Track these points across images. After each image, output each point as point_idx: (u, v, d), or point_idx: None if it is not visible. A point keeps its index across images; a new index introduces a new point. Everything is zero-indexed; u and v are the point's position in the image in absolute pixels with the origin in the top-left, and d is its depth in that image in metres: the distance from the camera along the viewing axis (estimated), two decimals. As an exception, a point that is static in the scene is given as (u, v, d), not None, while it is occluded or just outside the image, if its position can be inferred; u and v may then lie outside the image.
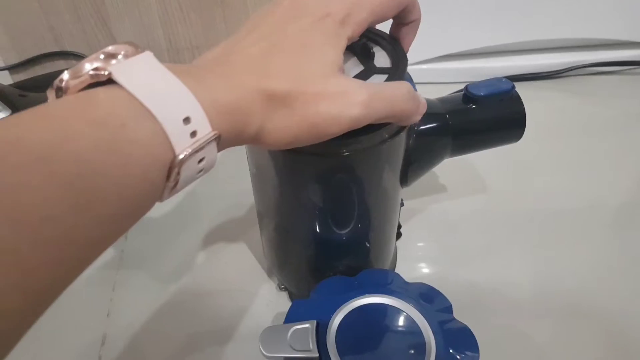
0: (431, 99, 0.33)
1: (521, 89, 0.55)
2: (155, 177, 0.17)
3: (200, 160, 0.19)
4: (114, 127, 0.16)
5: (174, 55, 0.57)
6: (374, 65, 0.26)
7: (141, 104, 0.17)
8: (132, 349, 0.34)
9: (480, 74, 0.56)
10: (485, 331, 0.27)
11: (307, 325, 0.27)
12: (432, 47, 0.56)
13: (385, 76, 0.25)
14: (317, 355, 0.26)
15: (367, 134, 0.24)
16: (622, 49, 0.57)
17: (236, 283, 0.38)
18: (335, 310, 0.28)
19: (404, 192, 0.33)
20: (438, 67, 0.57)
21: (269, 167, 0.28)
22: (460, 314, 0.28)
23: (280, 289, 0.36)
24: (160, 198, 0.19)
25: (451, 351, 0.27)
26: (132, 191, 0.17)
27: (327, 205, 0.28)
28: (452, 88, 0.55)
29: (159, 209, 0.44)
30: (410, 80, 0.27)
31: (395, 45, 0.27)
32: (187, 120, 0.18)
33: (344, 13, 0.23)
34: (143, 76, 0.18)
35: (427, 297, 0.30)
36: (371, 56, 0.26)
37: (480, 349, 0.26)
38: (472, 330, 0.27)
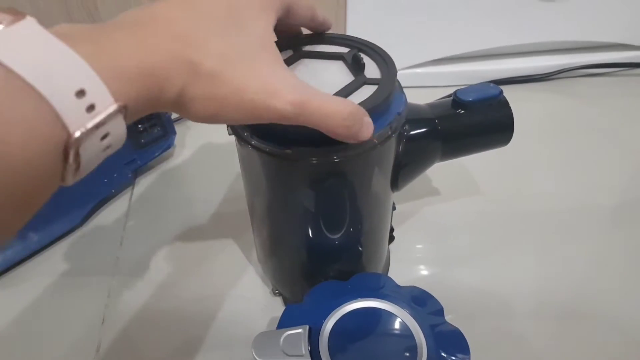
0: (421, 105, 0.33)
1: (513, 91, 0.56)
2: (46, 162, 0.15)
3: (104, 137, 0.17)
4: None
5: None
6: (365, 76, 0.26)
7: (21, 79, 0.15)
8: (127, 355, 0.34)
9: (472, 77, 0.57)
10: (476, 334, 0.28)
11: (299, 330, 0.27)
12: (425, 51, 0.57)
13: (375, 87, 0.25)
14: (310, 360, 0.26)
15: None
16: (611, 51, 0.58)
17: (230, 288, 0.38)
18: (327, 315, 0.28)
19: (396, 196, 0.33)
20: (430, 71, 0.57)
21: (260, 173, 0.29)
22: (452, 317, 0.29)
23: (275, 294, 0.36)
24: (64, 181, 0.17)
25: (443, 354, 0.27)
26: (16, 179, 0.15)
27: (319, 210, 0.29)
28: (444, 91, 0.55)
29: (152, 215, 0.44)
30: (399, 89, 0.28)
31: (385, 57, 0.28)
32: (81, 93, 0.16)
33: None
34: (23, 46, 0.15)
35: (419, 300, 0.30)
36: (362, 67, 0.27)
37: (471, 351, 0.26)
38: (463, 333, 0.28)
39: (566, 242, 0.40)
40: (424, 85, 0.57)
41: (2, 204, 0.15)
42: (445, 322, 0.29)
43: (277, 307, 0.36)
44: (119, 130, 0.17)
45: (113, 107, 0.16)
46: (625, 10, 0.55)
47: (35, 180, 0.15)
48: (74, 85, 0.15)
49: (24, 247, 0.40)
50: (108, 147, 0.17)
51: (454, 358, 0.27)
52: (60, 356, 0.34)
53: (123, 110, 0.17)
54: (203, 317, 0.36)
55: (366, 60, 0.27)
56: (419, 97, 0.54)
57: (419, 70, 0.57)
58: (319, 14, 0.28)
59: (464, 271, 0.38)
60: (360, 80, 0.26)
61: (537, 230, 0.41)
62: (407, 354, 0.27)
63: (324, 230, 0.30)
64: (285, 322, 0.29)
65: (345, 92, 0.25)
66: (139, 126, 0.46)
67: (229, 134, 0.28)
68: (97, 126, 0.16)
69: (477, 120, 0.32)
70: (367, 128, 0.23)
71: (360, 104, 0.24)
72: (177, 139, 0.50)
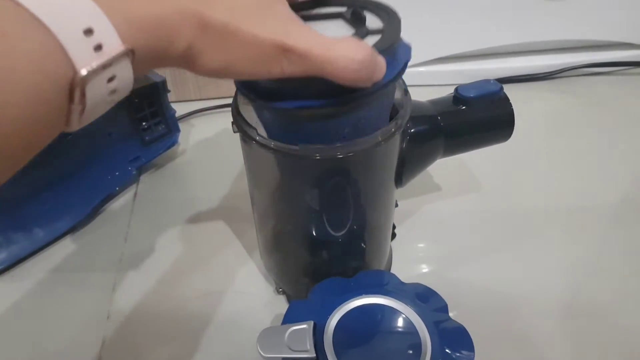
0: (423, 102, 0.33)
1: (516, 90, 0.56)
2: (51, 98, 0.15)
3: (111, 80, 0.17)
4: None
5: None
6: (367, 28, 0.25)
7: (29, 13, 0.15)
8: (132, 351, 0.34)
9: (475, 75, 0.57)
10: (481, 330, 0.28)
11: (304, 326, 0.28)
12: (428, 50, 0.57)
13: (379, 36, 0.24)
14: (315, 355, 0.26)
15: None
16: (614, 50, 0.58)
17: (234, 285, 0.38)
18: (332, 311, 0.29)
19: (398, 193, 0.33)
20: (434, 70, 0.57)
21: (265, 169, 0.29)
22: (456, 314, 0.29)
23: (278, 292, 0.37)
24: (68, 124, 0.17)
25: (447, 350, 0.27)
26: (21, 111, 0.15)
27: (323, 206, 0.29)
28: (448, 90, 0.55)
29: (157, 212, 0.45)
30: (407, 47, 0.26)
31: (386, 9, 0.26)
32: (89, 32, 0.16)
33: None
34: None
35: (423, 297, 0.30)
36: (362, 20, 0.25)
37: (475, 348, 0.27)
38: (467, 329, 0.28)
39: (568, 240, 0.40)
40: (428, 84, 0.57)
41: (8, 134, 0.15)
42: (450, 318, 0.29)
43: (281, 305, 0.36)
44: (125, 74, 0.17)
45: (121, 49, 0.16)
46: (628, 9, 0.55)
47: (42, 118, 0.15)
48: (82, 24, 0.15)
49: (29, 243, 0.40)
50: (114, 91, 0.17)
51: (458, 354, 0.27)
52: (65, 351, 0.34)
53: (130, 54, 0.17)
54: (207, 314, 0.36)
55: (367, 14, 0.26)
56: (422, 95, 0.54)
57: (422, 68, 0.57)
58: None
59: (466, 268, 0.38)
60: (362, 31, 0.25)
61: (539, 228, 0.41)
62: (412, 351, 0.27)
63: (328, 227, 0.30)
64: (290, 317, 0.29)
65: None
66: (144, 124, 0.46)
67: (234, 132, 0.28)
68: (104, 66, 0.16)
69: (478, 116, 0.33)
70: (381, 68, 0.22)
71: None
72: (181, 136, 0.50)
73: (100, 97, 0.17)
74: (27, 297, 0.38)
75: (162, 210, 0.45)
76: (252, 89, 0.25)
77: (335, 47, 0.21)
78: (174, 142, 0.49)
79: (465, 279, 0.37)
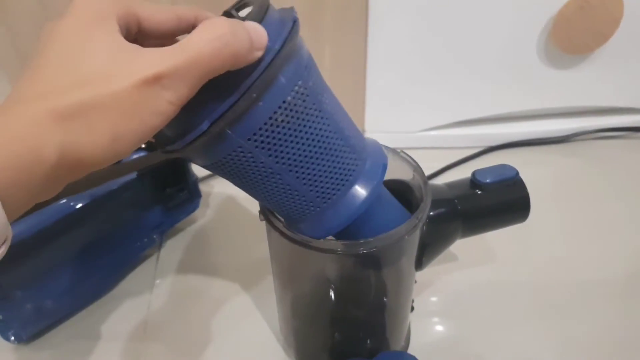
0: (440, 185, 0.34)
1: (530, 153, 0.57)
2: None
3: None
4: None
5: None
6: (232, 10, 0.22)
7: None
8: None
9: (490, 139, 0.59)
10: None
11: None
12: (443, 115, 0.58)
13: (249, 8, 0.22)
14: None
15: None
16: (624, 115, 0.59)
17: (252, 357, 0.38)
18: (352, 395, 0.29)
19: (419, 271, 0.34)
20: (449, 134, 0.59)
21: (288, 256, 0.30)
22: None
23: (298, 367, 0.37)
24: None
25: None
26: None
27: (345, 292, 0.30)
28: (462, 152, 0.57)
29: (179, 278, 0.46)
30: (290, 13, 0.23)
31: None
32: None
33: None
34: None
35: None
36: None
37: None
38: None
39: (585, 310, 0.40)
40: (442, 147, 0.58)
41: None
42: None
43: (301, 379, 0.37)
44: None
45: None
46: (635, 77, 0.56)
47: None
48: None
49: (56, 312, 0.41)
50: None
51: None
52: None
53: None
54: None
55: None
56: (437, 157, 0.56)
57: (435, 132, 0.59)
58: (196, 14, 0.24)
59: (484, 343, 0.38)
60: (229, 12, 0.22)
61: (556, 300, 0.41)
62: None
63: (349, 310, 0.31)
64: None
65: None
66: (167, 190, 0.48)
67: (260, 220, 0.29)
68: None
69: (494, 201, 0.34)
70: (256, 32, 0.20)
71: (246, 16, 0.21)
72: (202, 202, 0.52)
73: None
74: (52, 367, 0.39)
75: (183, 276, 0.46)
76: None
77: (190, 43, 0.19)
78: (195, 208, 0.51)
79: (483, 353, 0.37)
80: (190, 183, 0.49)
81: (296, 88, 0.22)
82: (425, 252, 0.31)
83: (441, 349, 0.38)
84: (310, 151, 0.23)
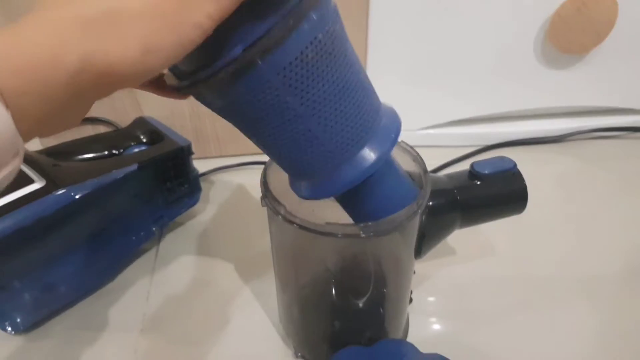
0: (440, 176, 0.35)
1: (527, 152, 0.58)
2: None
3: None
4: None
5: (196, 121, 0.60)
6: None
7: None
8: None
9: (487, 138, 0.59)
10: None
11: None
12: (441, 114, 0.59)
13: None
14: None
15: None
16: (620, 115, 0.60)
17: (253, 349, 0.38)
18: (351, 382, 0.29)
19: (418, 259, 0.34)
20: (447, 132, 0.60)
21: (290, 241, 0.30)
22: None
23: (297, 356, 0.37)
24: None
25: None
26: None
27: (344, 279, 0.30)
28: (460, 151, 0.57)
29: (178, 270, 0.46)
30: None
31: None
32: None
33: None
34: None
35: (440, 367, 0.31)
36: None
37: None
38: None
39: (584, 307, 0.41)
40: (441, 145, 0.59)
41: None
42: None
43: (299, 370, 0.37)
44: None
45: None
46: (632, 78, 0.57)
47: None
48: None
49: (54, 302, 0.41)
50: None
51: None
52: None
53: None
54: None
55: None
56: (436, 155, 0.57)
57: (432, 131, 0.60)
58: None
59: (482, 335, 0.39)
60: None
61: (554, 294, 0.42)
62: None
63: (348, 298, 0.31)
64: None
65: None
66: (168, 184, 0.48)
67: (262, 206, 0.29)
68: None
69: (492, 192, 0.34)
70: None
71: None
72: (202, 194, 0.52)
73: None
74: (49, 357, 0.39)
75: (183, 269, 0.46)
76: None
77: None
78: (195, 201, 0.51)
79: (481, 346, 0.38)
80: (191, 177, 0.50)
81: (327, 27, 0.21)
82: (425, 241, 0.32)
83: (439, 340, 0.39)
84: (335, 95, 0.22)
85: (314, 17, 0.21)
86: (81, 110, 0.19)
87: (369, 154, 0.24)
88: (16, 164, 0.17)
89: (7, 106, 0.16)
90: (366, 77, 0.25)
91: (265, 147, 0.26)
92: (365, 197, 0.26)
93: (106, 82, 0.18)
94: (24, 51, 0.16)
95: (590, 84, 0.57)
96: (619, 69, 0.56)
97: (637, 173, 0.55)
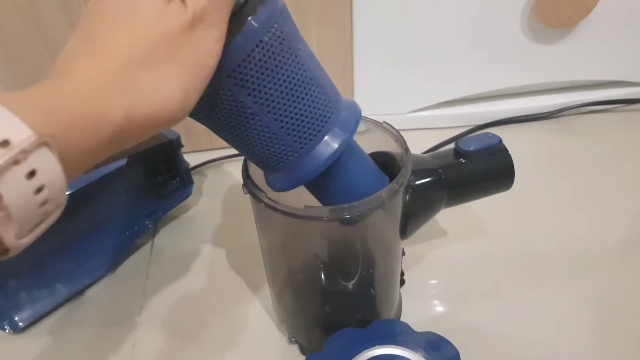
0: (424, 155, 0.35)
1: (517, 130, 0.58)
2: None
3: (31, 175, 0.15)
4: None
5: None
6: None
7: None
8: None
9: (476, 118, 0.59)
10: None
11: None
12: (430, 95, 0.59)
13: None
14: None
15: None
16: (611, 88, 0.60)
17: (249, 337, 0.39)
18: (346, 363, 0.29)
19: (405, 240, 0.34)
20: (437, 114, 0.59)
21: (274, 227, 0.30)
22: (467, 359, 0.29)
23: (291, 342, 0.37)
24: (4, 242, 0.15)
25: (458, 400, 0.27)
26: None
27: (332, 262, 0.30)
28: (450, 132, 0.57)
29: (173, 263, 0.46)
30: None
31: None
32: None
33: None
34: None
35: (434, 345, 0.31)
36: None
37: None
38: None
39: (576, 281, 0.41)
40: (430, 127, 0.59)
41: None
42: (461, 367, 0.30)
43: (295, 355, 0.37)
44: (49, 166, 0.15)
45: (32, 139, 0.15)
46: (620, 50, 0.57)
47: None
48: None
49: (51, 300, 0.42)
50: (41, 188, 0.15)
51: (469, 404, 0.27)
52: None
53: (49, 142, 0.15)
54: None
55: None
56: (424, 138, 0.57)
57: (425, 113, 0.59)
58: None
59: (476, 313, 0.39)
60: None
61: (547, 271, 0.42)
62: (424, 401, 0.27)
63: (338, 281, 0.31)
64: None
65: None
66: (159, 177, 0.48)
67: (244, 193, 0.30)
68: (15, 160, 0.14)
69: (478, 169, 0.34)
70: None
71: None
72: (194, 187, 0.52)
73: (26, 200, 0.15)
74: (47, 354, 0.39)
75: (178, 262, 0.46)
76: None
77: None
78: (188, 194, 0.51)
79: (475, 324, 0.38)
80: (182, 170, 0.50)
81: (272, 30, 0.22)
82: (410, 221, 0.32)
83: (433, 320, 0.39)
84: (287, 93, 0.24)
85: (258, 21, 0.22)
86: (122, 149, 0.20)
87: (327, 146, 0.25)
88: (58, 214, 0.18)
89: (61, 161, 0.16)
90: (323, 72, 0.26)
91: (231, 144, 0.27)
92: (331, 184, 0.27)
93: (148, 130, 0.19)
94: (74, 107, 0.17)
95: (579, 57, 0.57)
96: (608, 40, 0.56)
97: (630, 146, 0.55)
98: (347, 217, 0.27)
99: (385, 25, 0.54)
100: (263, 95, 0.23)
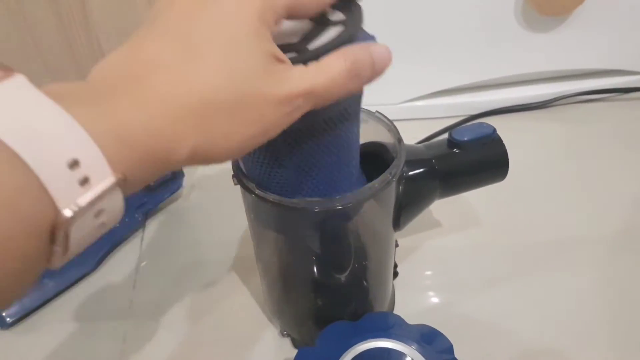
0: (417, 146, 0.34)
1: (510, 120, 0.57)
2: (29, 246, 0.13)
3: (99, 214, 0.15)
4: None
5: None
6: (328, 19, 0.24)
7: (5, 146, 0.13)
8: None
9: (469, 107, 0.58)
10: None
11: (311, 374, 0.28)
12: (424, 85, 0.58)
13: (340, 28, 0.23)
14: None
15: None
16: (605, 77, 0.59)
17: (240, 330, 0.38)
18: (339, 357, 0.29)
19: (398, 231, 0.34)
20: (431, 104, 0.59)
21: (265, 219, 0.30)
22: (461, 352, 0.29)
23: (283, 335, 0.37)
24: (50, 264, 0.15)
25: (453, 393, 0.27)
26: None
27: (324, 254, 0.30)
28: (443, 123, 0.57)
29: (164, 257, 0.45)
30: (370, 38, 0.25)
31: (346, 1, 0.25)
32: (74, 163, 0.13)
33: None
34: (11, 108, 0.13)
35: (428, 338, 0.31)
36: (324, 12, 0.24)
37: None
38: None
39: (572, 272, 0.40)
40: (424, 117, 0.58)
41: None
42: (455, 359, 0.29)
43: (287, 348, 0.37)
44: (115, 206, 0.15)
45: (110, 180, 0.14)
46: (615, 38, 0.56)
47: (16, 270, 0.13)
48: (67, 154, 0.13)
49: (40, 294, 0.41)
50: (102, 225, 0.15)
51: (463, 397, 0.27)
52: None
53: (122, 183, 0.15)
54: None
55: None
56: (418, 128, 0.56)
57: (418, 103, 0.59)
58: None
59: (470, 305, 0.38)
60: (323, 22, 0.24)
61: (542, 261, 0.42)
62: (417, 394, 0.27)
63: (329, 272, 0.31)
64: (297, 366, 0.30)
65: (310, 36, 0.23)
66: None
67: (235, 184, 0.29)
68: (92, 203, 0.14)
69: (472, 159, 0.34)
70: (380, 56, 0.22)
71: (328, 42, 0.22)
72: (186, 180, 0.51)
73: (86, 234, 0.15)
74: (37, 349, 0.38)
75: (168, 255, 0.46)
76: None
77: (329, 68, 0.20)
78: (179, 187, 0.50)
79: (470, 315, 0.38)
80: (172, 162, 0.49)
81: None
82: (403, 212, 0.31)
83: (426, 312, 0.39)
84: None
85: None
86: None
87: None
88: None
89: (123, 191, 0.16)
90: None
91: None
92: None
93: (204, 164, 0.19)
94: (149, 142, 0.16)
95: (573, 46, 0.56)
96: (602, 29, 0.55)
97: (624, 135, 0.54)
98: (339, 208, 0.26)
99: (377, 13, 0.52)
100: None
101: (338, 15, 0.25)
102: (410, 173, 0.32)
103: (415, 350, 0.29)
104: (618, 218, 0.45)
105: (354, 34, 0.23)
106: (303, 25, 0.24)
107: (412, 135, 0.53)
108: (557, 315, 0.37)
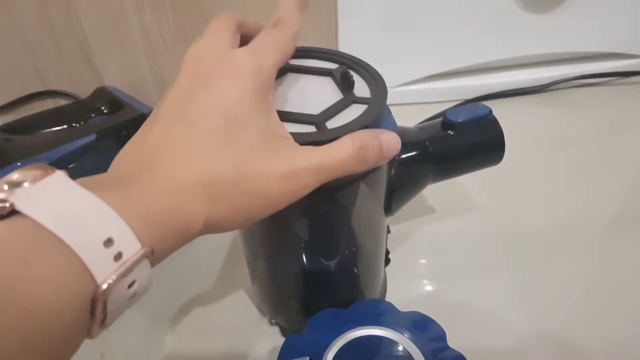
0: (410, 127, 0.33)
1: (508, 104, 0.56)
2: (73, 317, 0.15)
3: (131, 285, 0.16)
4: (13, 267, 0.14)
5: (160, 90, 0.58)
6: (354, 95, 0.26)
7: (50, 233, 0.14)
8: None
9: (466, 91, 0.57)
10: (480, 358, 0.27)
11: (299, 361, 0.27)
12: (418, 68, 0.57)
13: (365, 106, 0.25)
14: (310, 392, 0.26)
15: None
16: (603, 61, 0.58)
17: (229, 317, 0.37)
18: (328, 345, 0.28)
19: (390, 217, 0.33)
20: (426, 87, 0.57)
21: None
22: (454, 340, 0.28)
23: (272, 324, 0.36)
24: (90, 335, 0.16)
25: (445, 381, 0.26)
26: (42, 342, 0.14)
27: (313, 239, 0.28)
28: (439, 107, 0.56)
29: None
30: (388, 113, 0.27)
31: (375, 75, 0.27)
32: (109, 242, 0.15)
33: (254, 63, 0.21)
34: (52, 200, 0.15)
35: (419, 325, 0.30)
36: (351, 85, 0.26)
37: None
38: (466, 357, 0.27)
39: (567, 256, 0.40)
40: (419, 102, 0.57)
41: None
42: (448, 347, 0.28)
43: (275, 337, 0.36)
44: (144, 275, 0.17)
45: (140, 253, 0.16)
46: (615, 20, 0.55)
47: (62, 341, 0.15)
48: (102, 234, 0.15)
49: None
50: (134, 294, 0.17)
51: (456, 385, 0.26)
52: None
53: (150, 255, 0.17)
54: (202, 350, 0.35)
55: (356, 78, 0.27)
56: (413, 113, 0.55)
57: (414, 87, 0.57)
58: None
59: (463, 291, 0.38)
60: (349, 98, 0.25)
61: (537, 247, 0.41)
62: (409, 383, 0.26)
63: (318, 258, 0.30)
64: (285, 353, 0.29)
65: (332, 110, 0.24)
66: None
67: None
68: (124, 274, 0.16)
69: (467, 141, 0.32)
70: (388, 145, 0.23)
71: (347, 124, 0.23)
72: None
73: (121, 304, 0.17)
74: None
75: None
76: None
77: (337, 151, 0.22)
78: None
79: (463, 303, 0.37)
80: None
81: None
82: (395, 197, 0.30)
83: (419, 299, 0.38)
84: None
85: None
86: None
87: None
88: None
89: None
90: None
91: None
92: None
93: (213, 233, 0.21)
94: (169, 219, 0.18)
95: (572, 28, 0.55)
96: (602, 11, 0.54)
97: (622, 120, 0.53)
98: (328, 189, 0.25)
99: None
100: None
101: (364, 90, 0.26)
102: (403, 156, 0.30)
103: (407, 337, 0.28)
104: (614, 203, 0.44)
105: (375, 120, 0.24)
106: (330, 95, 0.26)
107: (406, 120, 0.51)
108: (551, 302, 0.36)
